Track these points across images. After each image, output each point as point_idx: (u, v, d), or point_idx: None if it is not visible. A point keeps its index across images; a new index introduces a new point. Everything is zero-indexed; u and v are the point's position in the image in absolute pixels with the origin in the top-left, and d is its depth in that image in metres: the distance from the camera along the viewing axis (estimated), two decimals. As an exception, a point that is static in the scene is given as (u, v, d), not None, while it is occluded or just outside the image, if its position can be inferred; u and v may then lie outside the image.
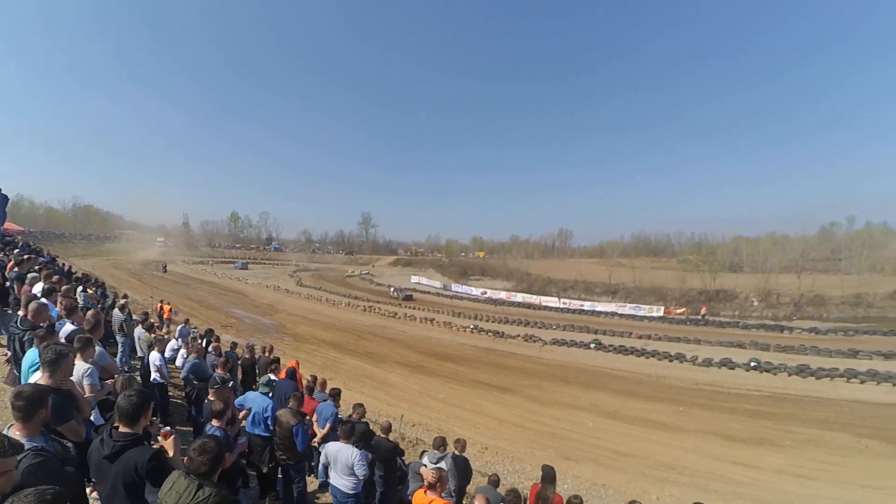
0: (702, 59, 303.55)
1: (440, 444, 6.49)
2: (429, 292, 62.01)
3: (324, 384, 8.74)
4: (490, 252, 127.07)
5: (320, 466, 6.94)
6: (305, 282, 64.09)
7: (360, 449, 5.66)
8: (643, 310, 46.87)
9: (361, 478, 5.47)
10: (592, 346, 27.13)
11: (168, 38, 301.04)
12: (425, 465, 6.22)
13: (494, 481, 6.69)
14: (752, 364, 22.05)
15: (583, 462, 11.75)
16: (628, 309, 47.68)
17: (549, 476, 6.18)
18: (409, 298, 51.55)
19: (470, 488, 7.21)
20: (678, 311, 45.91)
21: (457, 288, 67.97)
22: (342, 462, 5.47)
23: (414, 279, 77.40)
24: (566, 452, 12.28)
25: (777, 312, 45.30)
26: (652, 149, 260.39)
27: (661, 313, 45.42)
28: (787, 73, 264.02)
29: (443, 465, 6.21)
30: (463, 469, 6.74)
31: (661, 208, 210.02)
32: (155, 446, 2.86)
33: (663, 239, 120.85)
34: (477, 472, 8.90)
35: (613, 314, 45.99)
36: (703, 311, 44.86)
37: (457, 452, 6.73)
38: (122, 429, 2.71)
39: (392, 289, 57.69)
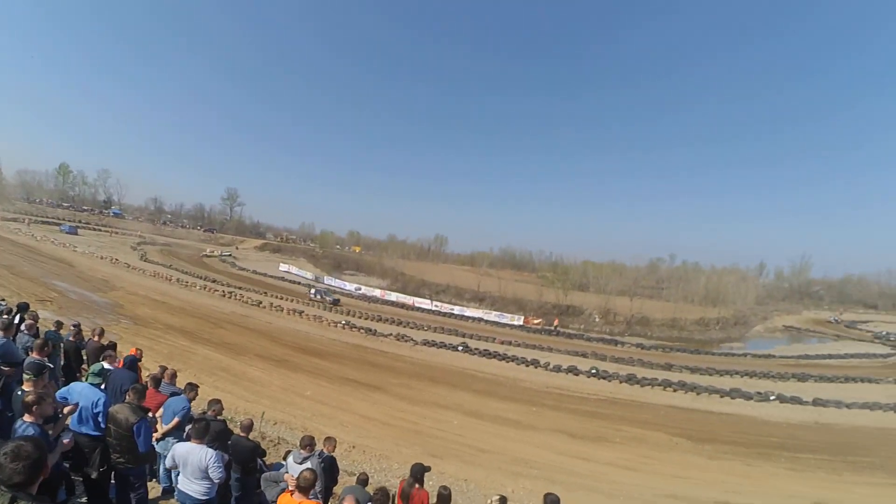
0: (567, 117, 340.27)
1: (308, 442, 6.10)
2: (299, 283, 58.72)
3: (173, 376, 7.64)
4: (367, 248, 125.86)
5: (162, 470, 6.05)
6: (152, 257, 56.06)
7: (216, 449, 5.03)
8: (506, 318, 50.35)
9: (217, 481, 4.88)
10: (460, 348, 28.23)
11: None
12: (288, 473, 5.78)
13: (363, 480, 6.48)
14: (593, 371, 24.98)
15: (447, 458, 12.06)
16: (493, 316, 50.81)
17: (414, 472, 6.21)
18: (336, 303, 42.26)
19: (337, 488, 6.87)
20: (535, 321, 50.34)
21: (330, 281, 65.71)
22: (194, 464, 4.81)
23: (283, 267, 72.67)
24: (431, 449, 12.50)
25: (613, 328, 52.62)
26: (520, 176, 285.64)
27: (521, 322, 49.31)
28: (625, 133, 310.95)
29: (309, 464, 5.86)
30: (330, 469, 6.42)
31: (525, 228, 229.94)
32: None
33: (526, 255, 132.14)
34: (344, 472, 8.52)
35: (480, 320, 48.62)
36: (556, 322, 49.86)
37: (325, 451, 6.38)
38: None
39: (313, 291, 46.71)
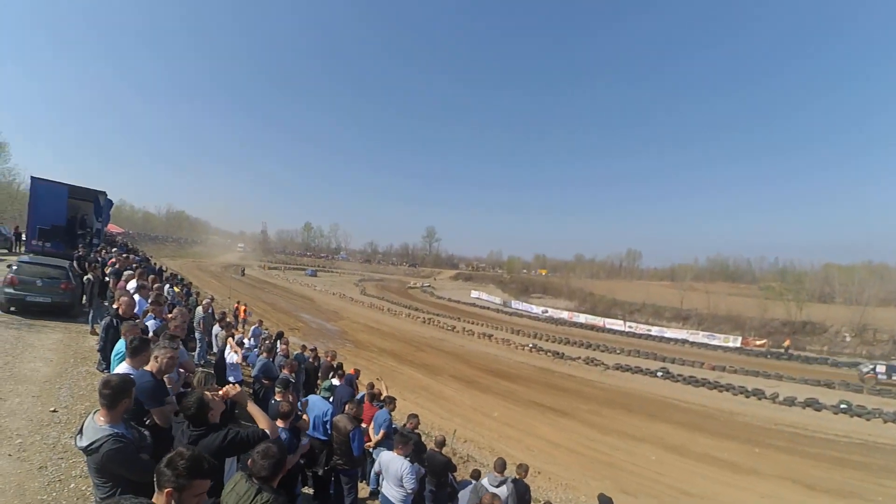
0: (781, 65, 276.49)
1: (501, 466, 6.29)
2: (488, 308, 61.72)
3: (379, 394, 8.95)
4: (552, 270, 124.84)
5: (372, 473, 7.10)
6: (369, 291, 66.19)
7: (412, 461, 5.71)
8: (718, 339, 43.71)
9: (410, 491, 5.49)
10: (659, 374, 25.59)
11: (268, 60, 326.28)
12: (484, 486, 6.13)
13: (546, 509, 6.41)
14: (842, 406, 19.79)
15: (642, 497, 11.06)
16: (701, 337, 44.61)
17: None
18: None
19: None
20: (758, 342, 42.33)
21: (517, 305, 67.12)
22: (393, 473, 5.54)
23: (474, 294, 77.41)
24: (624, 485, 11.61)
25: (873, 350, 40.20)
26: (729, 163, 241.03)
27: (738, 344, 42.12)
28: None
29: (504, 489, 6.09)
30: (523, 495, 6.50)
31: (740, 231, 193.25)
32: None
33: (743, 264, 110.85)
34: (528, 497, 8.64)
35: (684, 341, 43.27)
36: (787, 344, 40.92)
37: (517, 477, 6.54)
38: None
39: (875, 368, 26.71)
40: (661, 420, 17.86)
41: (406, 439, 5.76)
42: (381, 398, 8.56)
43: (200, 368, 6.45)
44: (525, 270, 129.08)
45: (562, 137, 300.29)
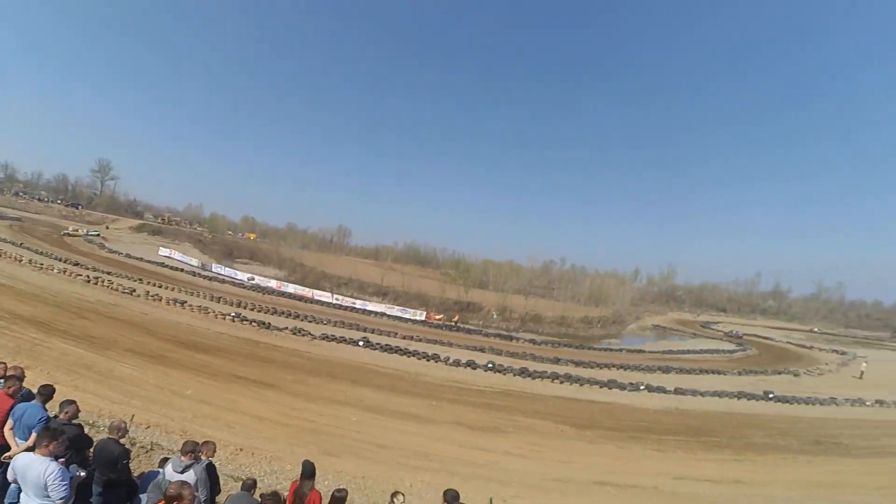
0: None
1: (190, 448, 5.42)
2: (182, 270, 53.20)
3: (22, 376, 6.34)
4: (262, 236, 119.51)
5: (11, 487, 4.99)
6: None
7: (69, 460, 4.24)
8: (409, 313, 50.52)
9: (59, 501, 4.10)
10: (361, 343, 27.56)
11: None
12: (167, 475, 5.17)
13: (249, 485, 5.82)
14: (489, 365, 25.90)
15: (344, 456, 11.58)
16: (396, 311, 50.66)
17: (307, 471, 5.80)
18: None
19: (220, 497, 6.17)
20: (437, 316, 51.30)
21: (218, 269, 60.33)
22: (32, 480, 4.07)
23: (163, 252, 65.12)
24: (328, 448, 11.91)
25: (509, 325, 55.63)
26: (425, 177, 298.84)
27: (424, 317, 49.85)
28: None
29: (191, 473, 5.24)
30: (212, 474, 5.76)
31: (430, 224, 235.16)
32: None
33: (430, 252, 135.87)
34: (230, 477, 7.79)
35: (383, 314, 48.10)
36: (456, 318, 51.26)
37: (203, 457, 5.72)
38: None
39: None
40: (362, 384, 19.22)
41: (53, 434, 4.26)
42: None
43: None
44: (231, 232, 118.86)
45: (286, 106, 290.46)
